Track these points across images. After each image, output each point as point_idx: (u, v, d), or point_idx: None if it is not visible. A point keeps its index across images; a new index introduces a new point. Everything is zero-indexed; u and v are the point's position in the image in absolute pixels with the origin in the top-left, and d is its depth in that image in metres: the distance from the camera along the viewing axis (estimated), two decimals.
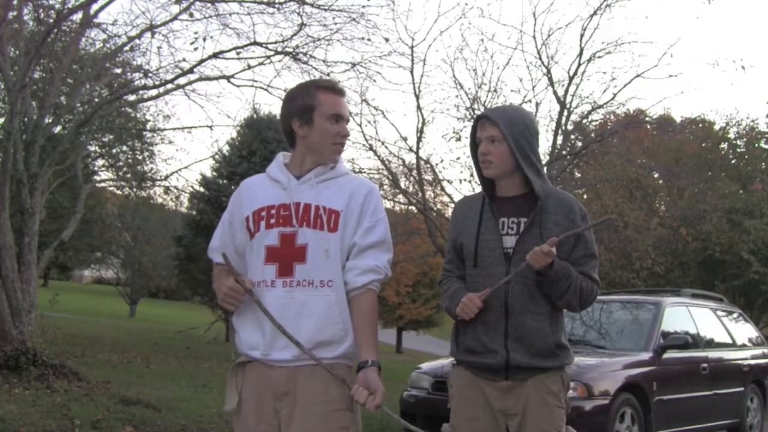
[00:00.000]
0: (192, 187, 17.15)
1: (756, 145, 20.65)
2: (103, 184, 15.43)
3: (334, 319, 2.39)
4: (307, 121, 2.47)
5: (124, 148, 14.36)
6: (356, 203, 2.46)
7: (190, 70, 9.75)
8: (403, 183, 13.72)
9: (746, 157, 20.61)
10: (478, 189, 3.02)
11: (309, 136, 2.48)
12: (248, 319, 2.46)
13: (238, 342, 2.50)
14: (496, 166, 2.86)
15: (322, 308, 2.39)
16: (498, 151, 2.84)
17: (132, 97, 11.00)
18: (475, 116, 11.88)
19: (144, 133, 13.53)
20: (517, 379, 2.81)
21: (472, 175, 11.70)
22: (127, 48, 10.39)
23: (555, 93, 12.62)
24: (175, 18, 9.47)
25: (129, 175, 14.67)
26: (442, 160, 15.66)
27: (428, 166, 12.86)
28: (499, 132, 2.83)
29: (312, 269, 2.40)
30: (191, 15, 9.40)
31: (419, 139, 12.41)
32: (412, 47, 11.87)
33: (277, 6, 9.43)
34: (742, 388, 7.98)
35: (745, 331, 8.90)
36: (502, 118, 2.86)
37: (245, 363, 2.48)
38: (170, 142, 14.72)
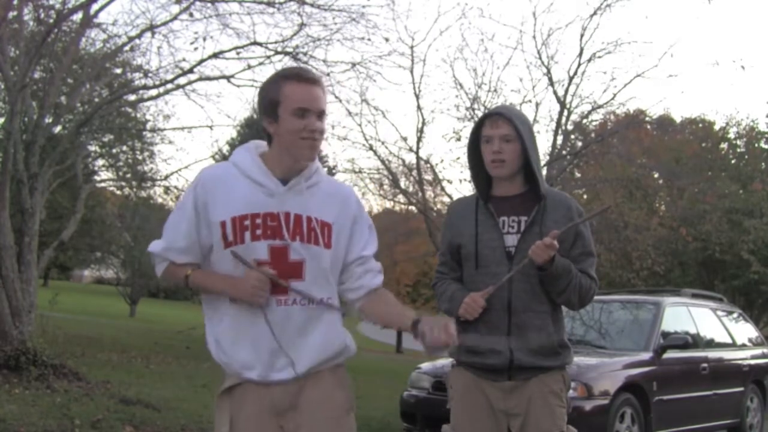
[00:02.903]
0: None
1: (756, 145, 20.66)
2: (103, 184, 15.41)
3: (337, 337, 2.29)
4: (275, 117, 2.22)
5: (124, 148, 14.35)
6: (348, 215, 2.31)
7: (190, 70, 9.77)
8: (403, 183, 13.77)
9: (746, 157, 20.62)
10: None
11: (278, 134, 2.23)
12: (241, 335, 2.22)
13: (225, 359, 2.25)
14: (508, 166, 2.81)
15: (324, 326, 2.25)
16: (511, 149, 2.79)
17: (132, 97, 11.02)
18: (477, 115, 11.97)
19: (144, 133, 13.53)
20: (520, 379, 2.81)
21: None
22: (127, 48, 10.43)
23: (555, 93, 12.66)
24: (175, 18, 9.50)
25: (129, 175, 14.66)
26: (442, 160, 15.76)
27: (428, 166, 12.91)
28: (514, 130, 2.78)
29: (311, 287, 2.23)
30: (191, 15, 9.43)
31: (419, 139, 12.48)
32: (412, 47, 11.95)
33: (277, 6, 9.46)
34: (742, 388, 7.97)
35: (745, 331, 8.90)
36: (516, 116, 2.82)
37: (235, 386, 2.26)
38: (170, 142, 14.71)
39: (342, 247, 2.29)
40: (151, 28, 9.46)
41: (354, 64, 10.34)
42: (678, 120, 21.23)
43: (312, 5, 9.50)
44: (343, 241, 2.29)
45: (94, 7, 9.16)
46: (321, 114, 2.23)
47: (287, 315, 2.21)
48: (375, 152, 12.53)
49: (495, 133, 2.80)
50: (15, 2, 8.12)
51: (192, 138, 25.90)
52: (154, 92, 10.74)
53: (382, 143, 12.65)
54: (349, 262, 2.31)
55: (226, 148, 18.73)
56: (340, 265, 2.31)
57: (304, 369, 2.22)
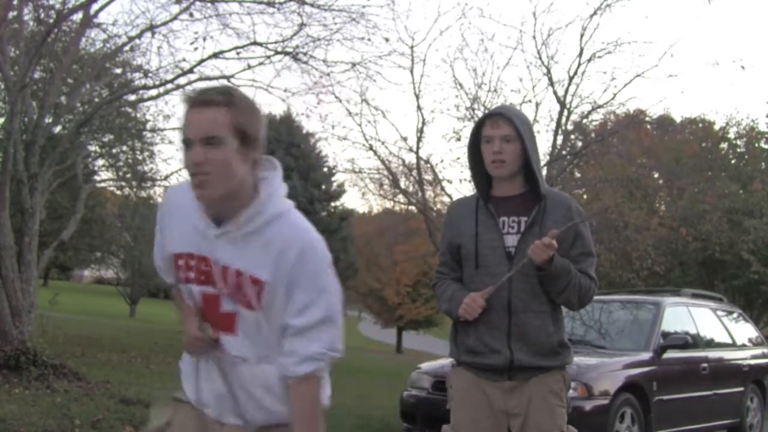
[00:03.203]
0: None
1: (756, 145, 20.67)
2: (103, 184, 15.42)
3: (280, 398, 1.90)
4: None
5: (124, 148, 14.34)
6: (284, 269, 1.82)
7: (190, 70, 9.76)
8: (403, 183, 13.77)
9: (746, 157, 20.63)
10: None
11: None
12: (193, 373, 2.00)
13: (186, 385, 2.05)
14: (508, 166, 2.81)
15: (261, 391, 1.91)
16: (511, 150, 2.79)
17: (132, 97, 11.01)
18: (477, 115, 11.97)
19: (144, 133, 13.53)
20: (520, 378, 2.81)
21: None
22: (127, 48, 10.42)
23: (555, 93, 12.65)
24: (175, 18, 9.49)
25: (129, 175, 14.66)
26: (442, 160, 15.72)
27: (428, 166, 12.90)
28: (514, 131, 2.78)
29: (244, 343, 1.89)
30: (191, 15, 9.42)
31: (419, 139, 12.47)
32: (412, 47, 11.93)
33: (277, 6, 9.45)
34: (742, 388, 7.97)
35: (745, 331, 8.90)
36: (516, 116, 2.83)
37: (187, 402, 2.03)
38: (170, 142, 14.68)
39: (279, 308, 1.85)
40: (151, 28, 9.46)
41: (354, 64, 10.34)
42: (678, 120, 21.24)
43: (312, 5, 9.50)
44: (278, 301, 1.84)
45: (94, 7, 9.17)
46: (210, 140, 1.74)
47: (231, 366, 1.93)
48: (375, 152, 12.53)
49: (495, 134, 2.80)
50: (15, 2, 8.13)
51: None
52: (154, 92, 10.74)
53: (382, 143, 12.65)
54: (283, 326, 1.86)
55: None
56: (278, 325, 1.87)
57: (255, 424, 1.95)
